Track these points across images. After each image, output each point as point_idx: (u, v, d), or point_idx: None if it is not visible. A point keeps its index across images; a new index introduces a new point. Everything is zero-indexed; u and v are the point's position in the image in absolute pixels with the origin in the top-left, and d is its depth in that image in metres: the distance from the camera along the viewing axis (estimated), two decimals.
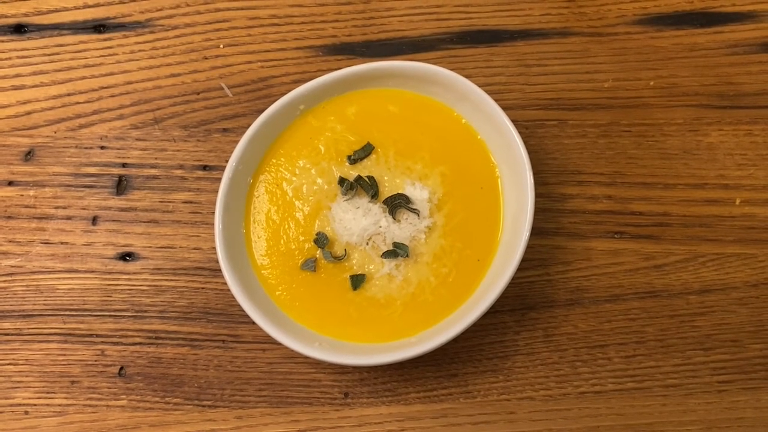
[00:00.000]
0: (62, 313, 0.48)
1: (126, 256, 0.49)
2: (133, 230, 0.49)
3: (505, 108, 0.44)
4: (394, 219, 0.45)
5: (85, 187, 0.50)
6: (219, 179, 0.45)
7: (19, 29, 0.51)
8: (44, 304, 0.48)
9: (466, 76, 0.45)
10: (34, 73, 0.51)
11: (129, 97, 0.51)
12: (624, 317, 0.48)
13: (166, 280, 0.49)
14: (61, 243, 0.49)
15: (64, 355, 0.48)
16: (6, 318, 0.48)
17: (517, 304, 0.48)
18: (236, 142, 0.45)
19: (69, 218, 0.50)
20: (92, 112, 0.51)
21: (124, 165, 0.50)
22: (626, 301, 0.48)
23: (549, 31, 0.51)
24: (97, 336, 0.48)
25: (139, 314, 0.48)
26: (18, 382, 0.48)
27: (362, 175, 0.46)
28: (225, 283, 0.44)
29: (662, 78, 0.50)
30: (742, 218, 0.49)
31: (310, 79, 0.46)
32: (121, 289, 0.48)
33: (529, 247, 0.44)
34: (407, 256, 0.45)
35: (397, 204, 0.45)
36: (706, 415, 0.47)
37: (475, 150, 0.47)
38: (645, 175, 0.49)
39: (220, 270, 0.44)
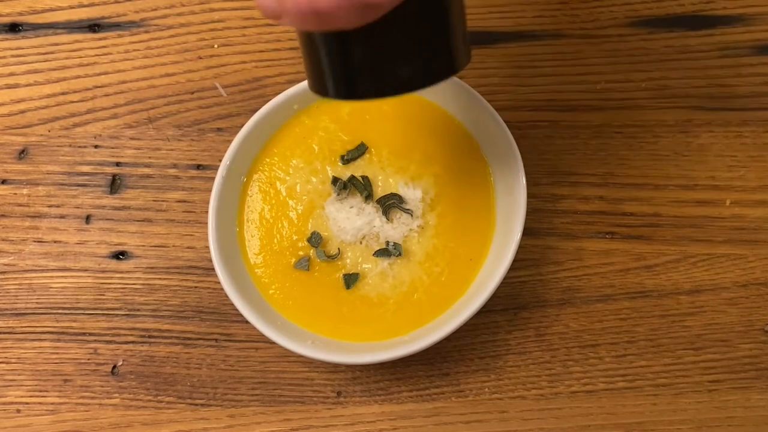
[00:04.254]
0: (55, 311, 0.48)
1: (119, 255, 0.49)
2: (126, 229, 0.49)
3: (497, 109, 0.45)
4: (387, 219, 0.46)
5: (79, 185, 0.50)
6: (213, 178, 0.45)
7: (14, 28, 0.52)
8: (37, 303, 0.48)
9: (460, 77, 0.45)
10: (29, 72, 0.51)
11: (123, 97, 0.51)
12: (615, 317, 0.48)
13: (159, 278, 0.49)
14: (55, 241, 0.49)
15: (57, 353, 0.48)
16: None
17: (509, 304, 0.48)
18: (230, 141, 0.45)
19: (62, 217, 0.50)
20: (86, 111, 0.51)
21: (117, 164, 0.50)
22: (617, 301, 0.48)
23: (541, 33, 0.51)
24: (90, 334, 0.48)
25: (132, 313, 0.48)
26: (10, 380, 0.48)
27: (356, 174, 0.46)
28: (218, 282, 0.44)
29: (654, 80, 0.50)
30: (732, 219, 0.49)
31: (304, 79, 0.46)
32: (114, 288, 0.49)
33: (521, 247, 0.45)
34: (400, 255, 0.45)
35: (391, 204, 0.46)
36: (697, 414, 0.47)
37: (468, 150, 0.47)
38: (636, 176, 0.49)
39: (213, 269, 0.44)
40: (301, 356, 0.46)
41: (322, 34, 0.32)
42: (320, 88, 0.35)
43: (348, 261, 0.45)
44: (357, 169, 0.47)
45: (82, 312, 0.48)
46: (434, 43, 0.33)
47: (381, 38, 0.32)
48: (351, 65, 0.33)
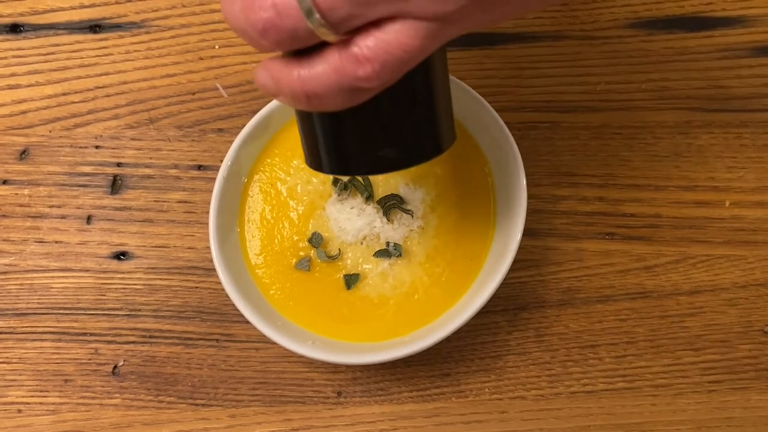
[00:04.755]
0: (56, 311, 0.48)
1: (120, 255, 0.49)
2: (127, 229, 0.49)
3: (498, 110, 0.45)
4: (388, 219, 0.46)
5: (80, 186, 0.50)
6: (213, 179, 0.45)
7: (15, 29, 0.52)
8: (38, 303, 0.49)
9: (460, 78, 0.45)
10: (30, 73, 0.51)
11: (124, 97, 0.51)
12: (615, 318, 0.48)
13: (160, 279, 0.49)
14: (56, 242, 0.49)
15: (58, 353, 0.48)
16: None
17: (509, 305, 0.48)
18: (231, 142, 0.46)
19: (63, 217, 0.50)
20: (87, 112, 0.51)
21: (118, 164, 0.50)
22: (617, 302, 0.48)
23: (542, 35, 0.51)
24: (91, 335, 0.48)
25: (133, 313, 0.48)
26: (11, 380, 0.48)
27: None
28: (219, 283, 0.44)
29: (653, 81, 0.51)
30: (732, 220, 0.49)
31: None
32: (115, 288, 0.49)
33: (521, 248, 0.45)
34: (400, 255, 0.45)
35: (391, 204, 0.46)
36: (696, 415, 0.47)
37: (469, 151, 0.47)
38: (636, 177, 0.50)
39: (214, 269, 0.44)
40: (301, 356, 0.46)
41: (316, 113, 0.34)
42: (314, 163, 0.37)
43: (348, 261, 0.46)
44: None
45: (83, 312, 0.48)
46: (421, 125, 0.35)
47: (370, 120, 0.34)
48: (341, 144, 0.35)
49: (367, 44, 0.29)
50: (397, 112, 0.34)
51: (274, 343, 0.43)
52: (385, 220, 0.46)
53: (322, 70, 0.30)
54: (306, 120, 0.35)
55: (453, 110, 0.38)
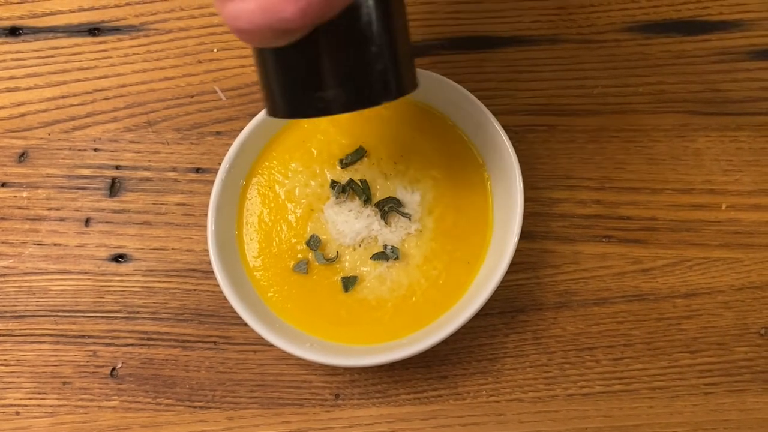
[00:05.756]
0: (54, 314, 0.49)
1: (119, 258, 0.49)
2: (125, 232, 0.50)
3: (495, 113, 0.45)
4: (386, 222, 0.46)
5: (79, 188, 0.50)
6: (212, 182, 0.45)
7: (14, 32, 0.52)
8: (36, 305, 0.49)
9: (458, 81, 0.45)
10: (29, 76, 0.51)
11: (123, 100, 0.51)
12: (612, 320, 0.48)
13: (159, 281, 0.49)
14: (54, 244, 0.49)
15: (56, 355, 0.48)
16: None
17: (506, 307, 0.48)
18: (229, 145, 0.46)
19: (62, 220, 0.50)
20: (86, 115, 0.51)
21: (117, 167, 0.50)
22: (614, 304, 0.48)
23: (539, 38, 0.51)
24: (89, 337, 0.48)
25: (131, 315, 0.48)
26: (9, 382, 0.48)
27: (354, 178, 0.47)
28: (217, 285, 0.45)
29: (650, 84, 0.51)
30: (728, 223, 0.49)
31: None
32: (114, 291, 0.49)
33: (519, 251, 0.45)
34: (398, 258, 0.45)
35: (389, 207, 0.46)
36: (693, 417, 0.47)
37: (466, 154, 0.47)
38: (633, 180, 0.50)
39: (212, 272, 0.44)
40: (299, 359, 0.46)
41: (267, 54, 0.34)
42: (269, 108, 0.36)
43: (346, 264, 0.46)
44: (356, 172, 0.47)
45: (82, 314, 0.49)
46: (373, 66, 0.34)
47: (318, 58, 0.33)
48: (291, 83, 0.34)
49: None
50: (346, 52, 0.33)
51: (272, 346, 0.43)
52: (382, 222, 0.46)
53: (249, 8, 0.30)
54: (259, 62, 0.35)
55: (414, 57, 0.37)
